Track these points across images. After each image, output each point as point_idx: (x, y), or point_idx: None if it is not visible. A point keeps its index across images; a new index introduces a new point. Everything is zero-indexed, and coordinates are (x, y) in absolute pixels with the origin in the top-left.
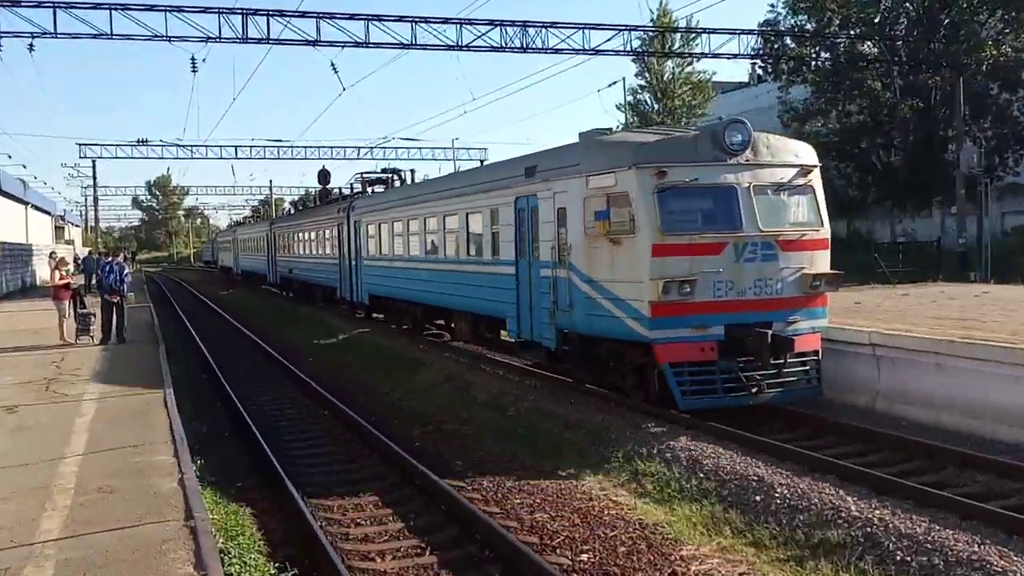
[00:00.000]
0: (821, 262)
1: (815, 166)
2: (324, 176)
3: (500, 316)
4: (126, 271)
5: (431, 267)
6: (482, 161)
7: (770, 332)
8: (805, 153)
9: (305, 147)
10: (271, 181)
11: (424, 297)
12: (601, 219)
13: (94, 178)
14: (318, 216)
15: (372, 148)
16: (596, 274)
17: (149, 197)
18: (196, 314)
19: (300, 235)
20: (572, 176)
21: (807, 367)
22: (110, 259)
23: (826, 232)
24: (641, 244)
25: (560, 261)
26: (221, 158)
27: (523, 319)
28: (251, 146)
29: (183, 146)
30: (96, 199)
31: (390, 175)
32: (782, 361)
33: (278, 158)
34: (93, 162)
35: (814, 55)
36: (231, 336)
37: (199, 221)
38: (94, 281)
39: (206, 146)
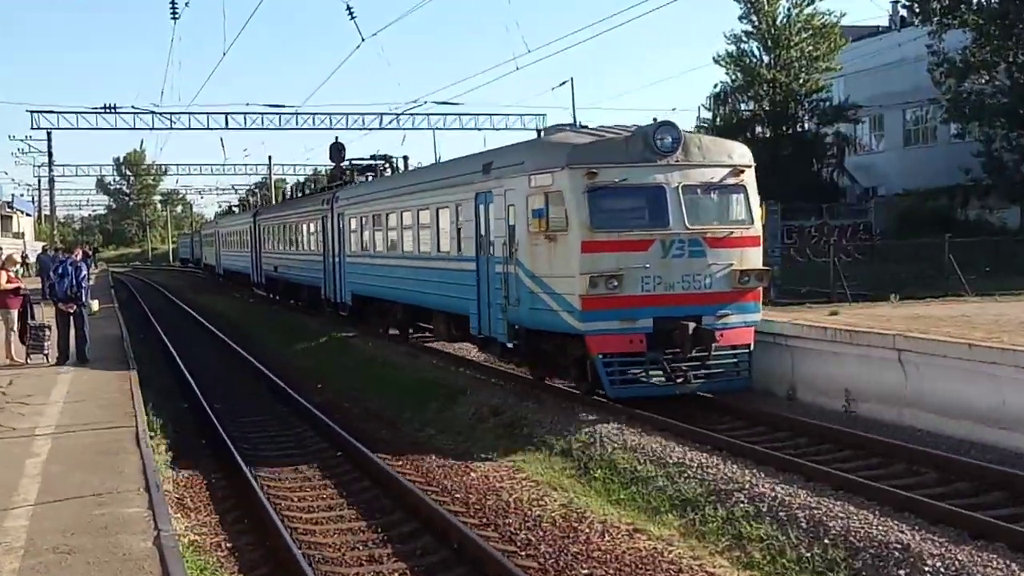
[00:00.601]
0: (751, 258)
1: (748, 166)
2: (337, 151)
3: (464, 313)
4: (84, 273)
5: (408, 264)
6: (539, 131)
7: (691, 324)
8: (739, 153)
9: (313, 114)
10: (270, 158)
11: (403, 296)
12: (538, 217)
13: (49, 154)
14: (303, 207)
15: (398, 115)
16: (538, 270)
17: (118, 179)
18: (175, 325)
19: (286, 228)
20: (518, 174)
21: (735, 359)
22: (65, 257)
23: (757, 230)
24: (572, 241)
25: (510, 257)
26: (208, 128)
27: (483, 316)
28: (244, 113)
29: (160, 114)
30: (52, 181)
31: (380, 163)
32: (706, 353)
33: (279, 128)
34: (48, 134)
35: None
36: (216, 351)
37: (180, 209)
38: (48, 285)
39: (189, 114)
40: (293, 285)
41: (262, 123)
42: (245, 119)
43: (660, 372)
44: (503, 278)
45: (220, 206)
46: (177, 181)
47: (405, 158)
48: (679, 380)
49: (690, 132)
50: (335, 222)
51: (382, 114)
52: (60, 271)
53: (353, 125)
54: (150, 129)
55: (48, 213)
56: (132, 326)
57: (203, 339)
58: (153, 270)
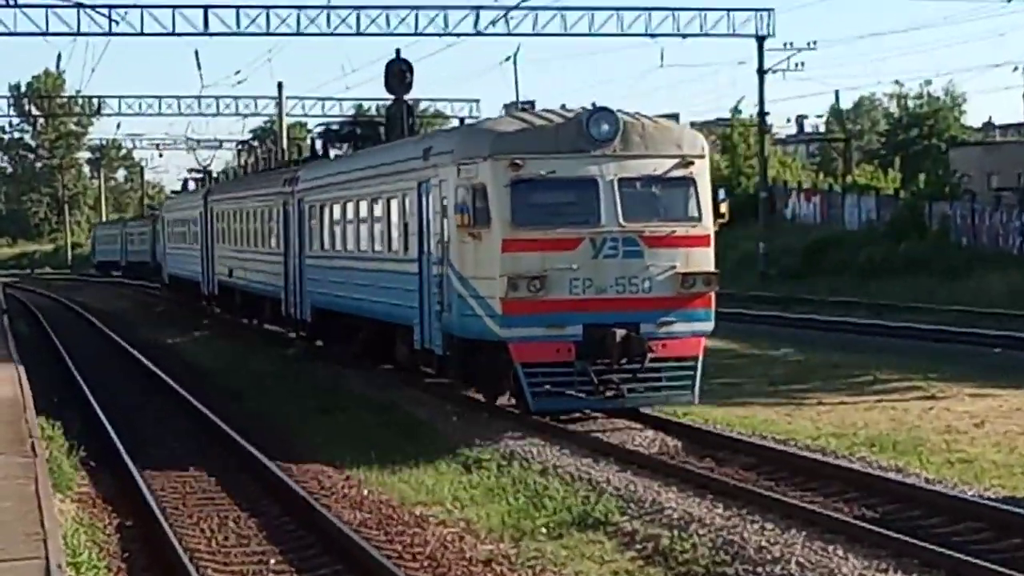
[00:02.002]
0: (698, 260)
1: (699, 156)
2: (397, 77)
3: (408, 324)
4: None
5: (360, 266)
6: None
7: (620, 332)
8: (689, 142)
9: (357, 7)
10: (281, 87)
11: (358, 307)
12: (462, 212)
13: None
14: (260, 188)
15: (507, 11)
16: (465, 271)
17: (16, 120)
18: (110, 380)
19: (242, 215)
20: (449, 163)
21: (678, 372)
22: None
23: (706, 228)
24: (494, 239)
25: (442, 257)
26: (172, 33)
27: (425, 325)
28: (236, 6)
29: (91, 6)
30: None
31: (367, 129)
32: (638, 365)
33: (298, 33)
34: None
35: None
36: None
37: (123, 176)
38: None
39: (140, 7)
40: (250, 296)
41: (267, 24)
42: (238, 16)
43: (589, 384)
44: (439, 280)
45: (201, 169)
46: (119, 127)
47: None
48: (609, 394)
49: (634, 118)
50: (295, 211)
51: (479, 7)
52: None
53: (427, 28)
54: (73, 35)
55: None
56: (38, 381)
57: (153, 405)
58: (75, 281)
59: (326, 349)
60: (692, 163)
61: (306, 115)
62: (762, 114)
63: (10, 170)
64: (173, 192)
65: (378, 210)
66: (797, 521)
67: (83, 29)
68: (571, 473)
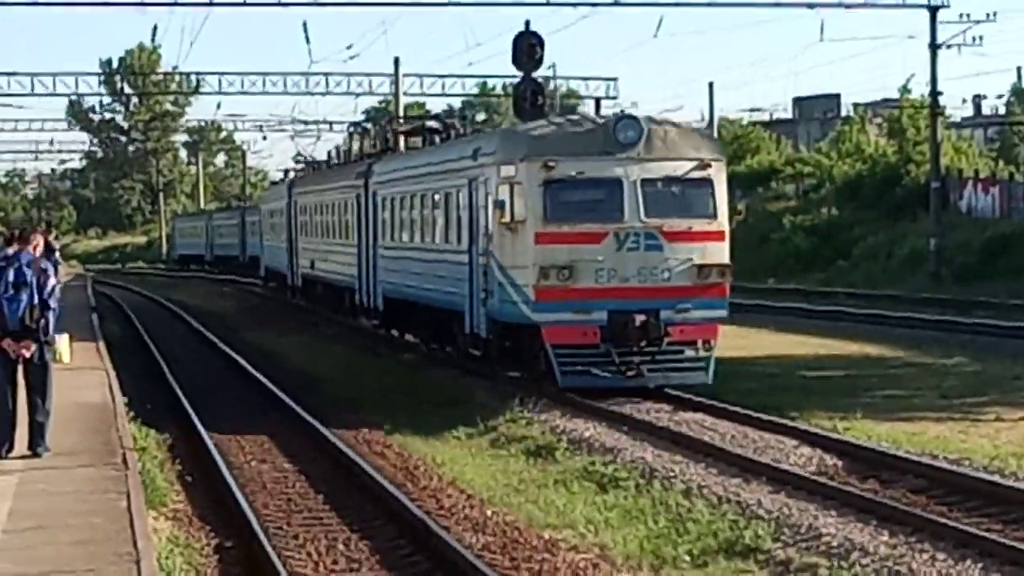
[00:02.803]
0: (714, 253)
1: (717, 160)
2: (526, 51)
3: (460, 309)
4: (53, 283)
5: (420, 256)
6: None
7: (639, 318)
8: (708, 147)
9: None
10: (397, 62)
11: (427, 295)
12: (501, 207)
13: None
14: (336, 181)
15: None
16: (504, 261)
17: (108, 100)
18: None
19: (322, 208)
20: (492, 164)
21: (693, 354)
22: (14, 251)
23: (721, 224)
24: (528, 232)
25: (487, 248)
26: (279, 4)
27: (473, 311)
28: None
29: None
30: None
31: (440, 123)
32: (657, 348)
33: (416, 3)
34: None
35: None
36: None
37: (222, 161)
38: None
39: None
40: (331, 287)
41: None
42: None
43: (612, 364)
44: (483, 270)
45: (303, 157)
46: (219, 107)
47: (470, 116)
48: (630, 373)
49: (658, 124)
50: (369, 203)
51: None
52: (9, 279)
53: None
54: (170, 5)
55: None
56: (131, 384)
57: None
58: (170, 277)
59: (434, 353)
60: (710, 165)
61: (425, 94)
62: (934, 94)
63: (100, 154)
64: (272, 182)
65: (437, 204)
66: (972, 551)
67: None
68: (718, 494)
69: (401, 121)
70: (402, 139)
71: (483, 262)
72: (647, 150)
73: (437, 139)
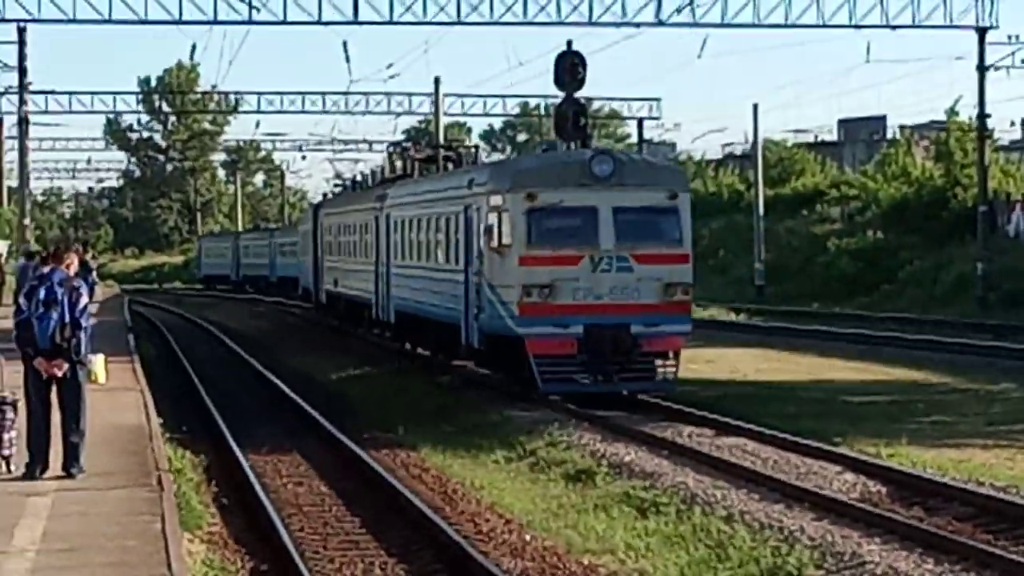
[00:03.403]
0: (680, 274)
1: (683, 190)
2: (568, 71)
3: (457, 323)
4: (85, 302)
5: (424, 274)
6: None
7: (612, 332)
8: (674, 179)
9: None
10: (437, 82)
11: (431, 311)
12: (489, 232)
13: (21, 73)
14: (356, 204)
15: (681, 8)
16: (494, 280)
17: (146, 118)
18: (244, 410)
19: (343, 229)
20: (483, 193)
21: (660, 364)
22: (49, 269)
23: (686, 248)
24: (513, 255)
25: (479, 268)
26: (319, 23)
27: (468, 324)
28: None
29: None
30: (24, 121)
31: (447, 151)
32: (627, 358)
33: (457, 22)
34: (19, 31)
35: None
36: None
37: (261, 181)
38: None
39: None
40: (351, 304)
41: (423, 12)
42: (391, 3)
43: (589, 373)
44: (476, 287)
45: (340, 178)
46: (258, 125)
47: (476, 148)
48: (603, 381)
49: (630, 158)
50: (384, 225)
51: None
52: (40, 297)
53: (603, 17)
54: (208, 23)
55: (16, 184)
56: (167, 405)
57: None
58: (208, 296)
59: (488, 379)
60: (676, 196)
61: (466, 114)
62: (982, 116)
63: (138, 173)
64: (310, 203)
65: (439, 228)
66: None
67: (220, 17)
68: (760, 520)
69: (418, 147)
70: (418, 165)
71: (476, 281)
72: (620, 182)
73: (450, 166)
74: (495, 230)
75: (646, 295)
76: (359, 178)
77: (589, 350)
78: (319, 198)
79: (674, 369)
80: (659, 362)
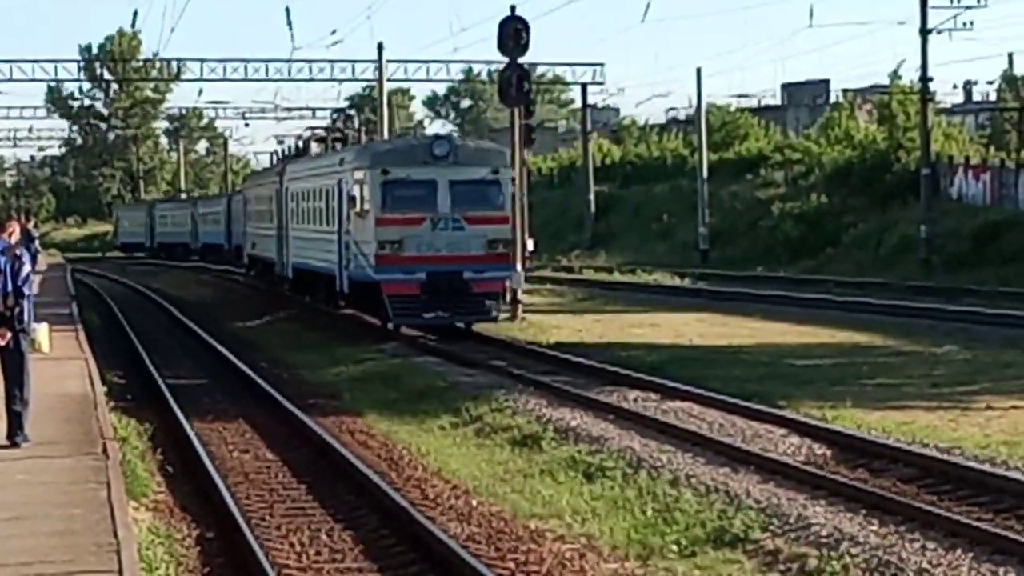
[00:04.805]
0: (501, 232)
1: (504, 167)
2: (512, 37)
3: (333, 274)
4: (28, 271)
5: (312, 236)
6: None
7: (447, 276)
8: (498, 157)
9: None
10: (381, 47)
11: (316, 265)
12: (353, 201)
13: None
14: (265, 178)
15: None
16: (358, 238)
17: (88, 87)
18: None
19: (257, 200)
20: (350, 170)
21: (487, 302)
22: None
23: (506, 212)
24: (371, 218)
25: (348, 229)
26: None
27: (340, 275)
28: None
29: None
30: None
31: (336, 133)
32: (459, 298)
33: None
34: None
35: None
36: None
37: (204, 148)
38: None
39: None
40: (263, 263)
41: None
42: None
43: (430, 310)
44: (346, 244)
45: (288, 144)
46: (200, 93)
47: (362, 128)
48: (441, 316)
49: (463, 142)
50: (284, 194)
51: None
52: None
53: None
54: None
55: None
56: (112, 374)
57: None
58: (156, 265)
59: (392, 331)
60: (498, 171)
61: (409, 80)
62: (925, 80)
63: (80, 142)
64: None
65: (320, 198)
66: (963, 540)
67: None
68: (706, 484)
69: (314, 130)
70: (304, 145)
71: (346, 240)
72: (455, 160)
73: (339, 145)
74: (358, 198)
75: (475, 248)
76: (280, 154)
77: (430, 291)
78: (262, 166)
79: (498, 305)
80: (488, 302)
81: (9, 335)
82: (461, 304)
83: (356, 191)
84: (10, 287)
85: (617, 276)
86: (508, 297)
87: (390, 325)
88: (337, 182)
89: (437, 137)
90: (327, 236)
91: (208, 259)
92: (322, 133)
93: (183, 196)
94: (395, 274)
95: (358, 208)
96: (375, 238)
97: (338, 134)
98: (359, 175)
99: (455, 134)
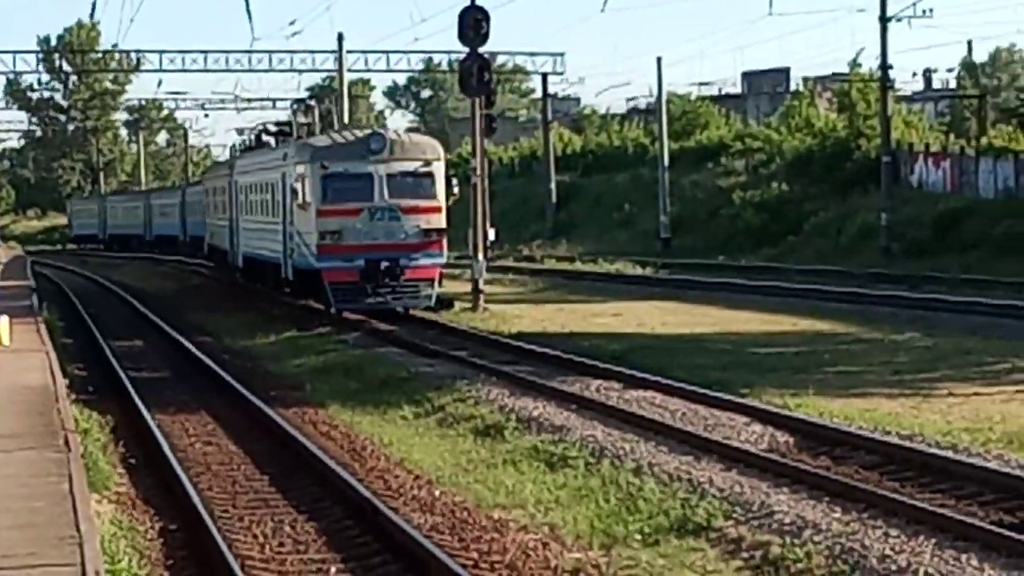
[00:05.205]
0: (435, 221)
1: (437, 159)
2: (472, 26)
3: (279, 263)
4: None
5: (259, 226)
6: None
7: (384, 264)
8: (431, 150)
9: None
10: (341, 38)
11: (262, 255)
12: (295, 193)
13: None
14: (218, 172)
15: None
16: (300, 228)
17: (47, 78)
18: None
19: (212, 192)
20: (292, 164)
21: (421, 288)
22: None
23: (440, 202)
24: (312, 209)
25: (291, 220)
26: None
27: (285, 263)
28: None
29: None
30: None
31: (282, 128)
32: (396, 283)
33: None
34: None
35: None
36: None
37: (164, 140)
38: None
39: None
40: (219, 252)
41: None
42: None
43: (369, 295)
44: (289, 234)
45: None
46: (160, 84)
47: (307, 126)
48: (380, 300)
49: (398, 136)
50: (233, 188)
51: None
52: None
53: None
54: None
55: None
56: (73, 366)
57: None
58: (114, 257)
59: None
60: (431, 163)
61: (369, 70)
62: (884, 68)
63: (39, 133)
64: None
65: (266, 191)
66: (926, 527)
67: None
68: (668, 472)
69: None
70: (255, 140)
71: (290, 230)
72: (390, 154)
73: (283, 140)
74: (300, 191)
75: (410, 237)
76: (237, 146)
77: (368, 278)
78: (223, 157)
79: (430, 292)
80: (422, 287)
81: None
82: (398, 289)
83: (298, 185)
84: None
85: (579, 266)
86: (440, 282)
87: (332, 310)
88: (281, 175)
89: (374, 133)
90: (273, 227)
91: (165, 251)
92: (272, 128)
93: (135, 188)
94: (335, 262)
95: (300, 200)
96: (316, 228)
97: (286, 128)
98: (301, 169)
99: (415, 125)
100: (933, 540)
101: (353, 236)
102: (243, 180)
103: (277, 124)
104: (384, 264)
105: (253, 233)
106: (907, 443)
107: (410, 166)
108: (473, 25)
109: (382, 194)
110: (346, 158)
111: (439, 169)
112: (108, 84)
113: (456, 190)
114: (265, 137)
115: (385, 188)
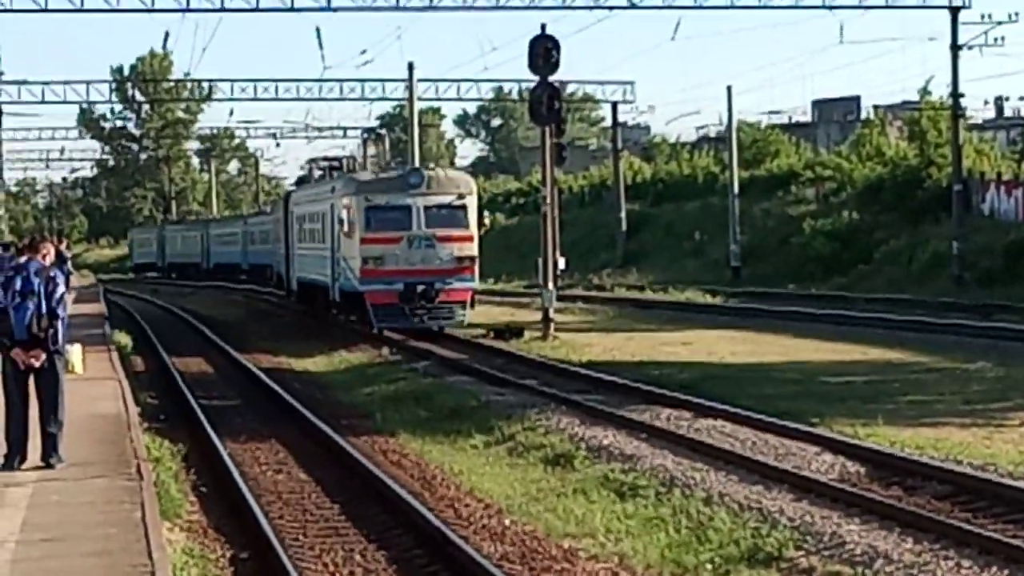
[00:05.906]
0: (467, 249)
1: (470, 193)
2: (542, 55)
3: (327, 287)
4: (62, 291)
5: (312, 252)
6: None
7: (421, 287)
8: (465, 185)
9: None
10: (411, 67)
11: (314, 279)
12: (342, 223)
13: None
14: (277, 203)
15: None
16: (346, 255)
17: (120, 108)
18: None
19: (276, 222)
20: (339, 196)
21: (455, 309)
22: (25, 259)
23: (472, 232)
24: (356, 237)
25: (338, 247)
26: (291, 10)
27: (333, 287)
28: None
29: None
30: None
31: (335, 163)
32: (432, 305)
33: (430, 8)
34: None
35: None
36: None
37: (235, 168)
38: None
39: None
40: (280, 278)
41: None
42: None
43: (407, 316)
44: (337, 260)
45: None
46: (231, 113)
47: (352, 158)
48: (417, 320)
49: (434, 172)
50: (288, 217)
51: None
52: (16, 287)
53: (576, 1)
54: (181, 11)
55: None
56: (145, 396)
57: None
58: (185, 285)
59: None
60: (464, 197)
61: (440, 99)
62: (956, 96)
63: (112, 163)
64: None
65: (316, 220)
66: (998, 558)
67: (192, 4)
68: (739, 502)
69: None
70: (308, 173)
71: (337, 256)
72: (427, 188)
73: (335, 174)
74: (346, 221)
75: (444, 263)
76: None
77: (407, 299)
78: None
79: (463, 312)
80: (457, 308)
81: (44, 356)
82: (433, 310)
83: (344, 215)
84: (44, 308)
85: (649, 294)
86: (472, 304)
87: (374, 329)
88: (330, 207)
89: (413, 169)
90: (322, 253)
91: (225, 279)
92: (323, 163)
93: (193, 218)
94: (377, 285)
95: (346, 229)
96: (360, 254)
97: (337, 163)
98: (347, 201)
99: (485, 153)
100: (1006, 571)
101: (393, 262)
102: (298, 211)
103: (327, 159)
104: (421, 287)
105: (305, 260)
106: (979, 473)
107: (445, 199)
108: (543, 54)
109: (419, 224)
110: (387, 191)
111: (471, 202)
112: (180, 113)
113: (488, 221)
114: (316, 171)
115: (422, 218)
